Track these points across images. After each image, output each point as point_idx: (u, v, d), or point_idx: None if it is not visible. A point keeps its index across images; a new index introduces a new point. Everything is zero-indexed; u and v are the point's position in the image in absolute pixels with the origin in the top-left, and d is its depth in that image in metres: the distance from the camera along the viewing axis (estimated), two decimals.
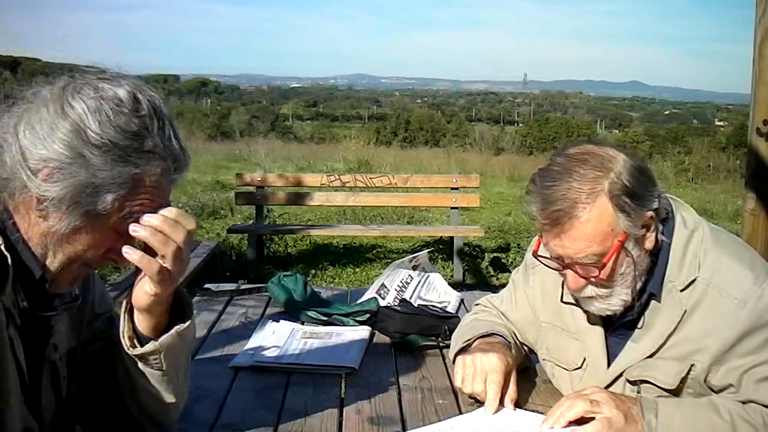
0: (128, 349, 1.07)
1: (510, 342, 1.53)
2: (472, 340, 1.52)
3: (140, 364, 1.08)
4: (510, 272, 5.34)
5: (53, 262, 0.98)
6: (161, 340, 1.06)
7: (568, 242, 1.26)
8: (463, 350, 1.51)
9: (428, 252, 2.46)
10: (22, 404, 0.98)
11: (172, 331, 1.07)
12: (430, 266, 2.34)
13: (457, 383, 1.42)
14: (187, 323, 1.09)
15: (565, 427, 1.24)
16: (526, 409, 1.39)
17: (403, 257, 2.38)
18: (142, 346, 1.07)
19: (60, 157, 0.91)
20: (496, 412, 1.34)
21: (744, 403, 1.24)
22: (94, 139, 0.92)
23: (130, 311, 1.07)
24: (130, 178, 0.94)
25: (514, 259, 6.39)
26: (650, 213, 1.28)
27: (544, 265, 1.37)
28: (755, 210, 2.76)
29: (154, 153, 0.95)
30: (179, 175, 1.00)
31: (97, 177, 0.92)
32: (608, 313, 1.35)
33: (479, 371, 1.39)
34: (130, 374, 1.10)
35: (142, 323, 1.07)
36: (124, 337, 1.07)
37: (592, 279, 1.28)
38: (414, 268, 2.25)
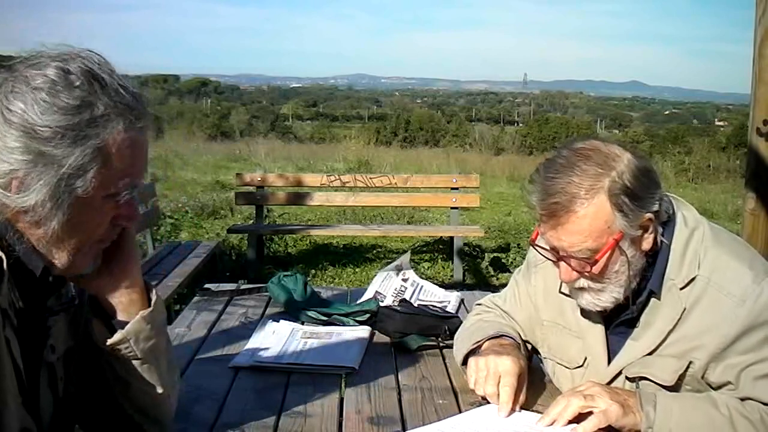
0: (99, 343, 1.08)
1: (519, 343, 1.53)
2: (481, 341, 1.51)
3: (120, 357, 1.10)
4: (510, 272, 5.35)
5: (62, 258, 0.99)
6: (127, 327, 1.08)
7: (564, 235, 1.27)
8: (473, 352, 1.51)
9: (409, 253, 2.41)
10: (20, 405, 0.98)
11: (137, 317, 1.08)
12: (409, 266, 2.30)
13: (471, 385, 1.42)
14: (151, 307, 1.11)
15: (565, 425, 1.24)
16: (526, 409, 1.38)
17: (402, 257, 2.35)
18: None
19: (22, 165, 0.90)
20: (509, 414, 1.33)
21: (742, 400, 1.25)
22: (44, 132, 0.90)
23: (94, 308, 1.10)
24: (96, 151, 0.92)
25: (514, 259, 6.39)
26: (649, 215, 1.28)
27: (540, 254, 1.38)
28: (755, 210, 2.76)
29: (108, 114, 0.93)
30: (145, 122, 0.97)
31: (65, 166, 0.91)
32: (598, 308, 1.35)
33: (492, 373, 1.38)
34: (116, 371, 1.11)
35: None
36: (93, 332, 1.09)
37: (585, 273, 1.29)
38: (404, 280, 2.23)
